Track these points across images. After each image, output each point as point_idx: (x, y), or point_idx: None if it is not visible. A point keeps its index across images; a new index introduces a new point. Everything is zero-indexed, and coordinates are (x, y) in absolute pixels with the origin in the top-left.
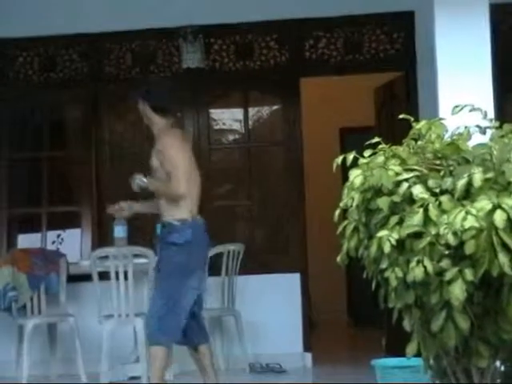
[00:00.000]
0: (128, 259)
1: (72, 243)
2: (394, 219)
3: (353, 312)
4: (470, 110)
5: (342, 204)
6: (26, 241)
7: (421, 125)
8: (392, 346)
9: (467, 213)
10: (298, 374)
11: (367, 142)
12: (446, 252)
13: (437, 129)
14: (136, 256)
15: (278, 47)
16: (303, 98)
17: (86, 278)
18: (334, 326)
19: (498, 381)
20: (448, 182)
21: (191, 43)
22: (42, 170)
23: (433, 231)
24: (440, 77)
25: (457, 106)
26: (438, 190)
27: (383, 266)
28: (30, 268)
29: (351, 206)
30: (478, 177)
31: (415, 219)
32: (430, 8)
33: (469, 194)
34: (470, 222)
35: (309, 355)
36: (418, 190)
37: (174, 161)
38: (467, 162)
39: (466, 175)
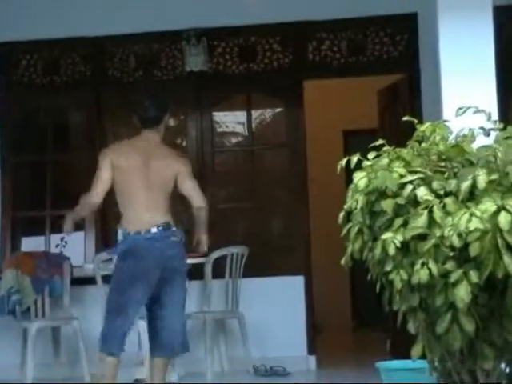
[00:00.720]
0: None
1: (76, 246)
2: (399, 221)
3: (357, 315)
4: (474, 112)
5: (346, 206)
6: (29, 244)
7: (425, 127)
8: (397, 348)
9: (472, 215)
10: (302, 377)
11: (371, 144)
12: (451, 254)
13: (441, 131)
14: None
15: (281, 50)
16: (306, 101)
17: (89, 281)
18: (338, 329)
19: (503, 382)
20: (452, 184)
21: (194, 46)
22: (46, 173)
23: (437, 233)
24: (444, 79)
25: (461, 108)
26: (442, 192)
27: (388, 268)
28: (34, 271)
29: (355, 208)
30: (482, 179)
31: (420, 221)
32: (433, 10)
33: (473, 195)
34: (475, 223)
35: (313, 358)
36: (423, 192)
37: (98, 170)
38: (471, 163)
39: (470, 177)
